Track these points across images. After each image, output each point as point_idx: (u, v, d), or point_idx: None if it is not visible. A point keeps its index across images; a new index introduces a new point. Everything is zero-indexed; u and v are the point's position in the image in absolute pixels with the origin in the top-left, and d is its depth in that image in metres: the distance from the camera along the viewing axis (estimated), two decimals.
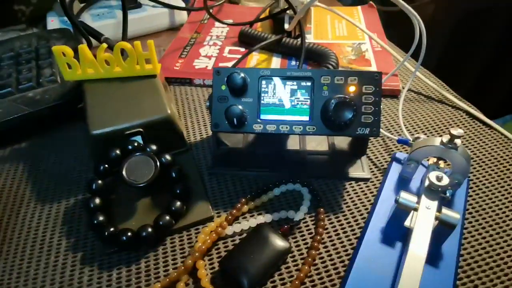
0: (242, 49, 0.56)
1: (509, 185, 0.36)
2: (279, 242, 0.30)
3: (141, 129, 0.35)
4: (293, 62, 0.53)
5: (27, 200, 0.36)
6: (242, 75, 0.32)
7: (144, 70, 0.38)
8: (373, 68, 0.50)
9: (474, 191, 0.35)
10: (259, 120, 0.33)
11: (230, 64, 0.52)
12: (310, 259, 0.29)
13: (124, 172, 0.33)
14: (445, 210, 0.28)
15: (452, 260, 0.29)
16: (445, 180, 0.29)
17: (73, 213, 0.34)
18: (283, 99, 0.33)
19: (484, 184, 0.36)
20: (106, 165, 0.34)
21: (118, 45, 0.36)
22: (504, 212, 0.33)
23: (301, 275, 0.28)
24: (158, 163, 0.33)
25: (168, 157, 0.34)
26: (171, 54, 0.55)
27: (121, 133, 0.35)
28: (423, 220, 0.28)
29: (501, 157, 0.38)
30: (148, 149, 0.34)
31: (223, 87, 0.33)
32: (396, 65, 0.49)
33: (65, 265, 0.30)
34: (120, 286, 0.29)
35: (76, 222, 0.34)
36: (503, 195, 0.35)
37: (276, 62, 0.53)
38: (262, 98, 0.33)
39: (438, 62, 0.83)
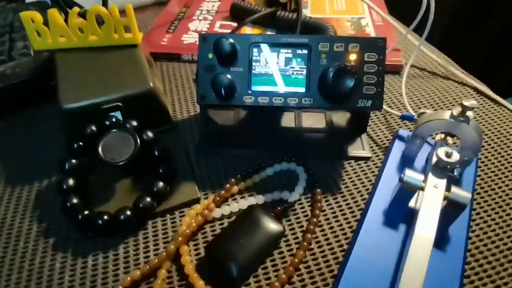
0: (234, 24, 0.52)
1: None
2: (271, 225, 0.27)
3: (120, 104, 0.32)
4: None
5: None
6: (231, 41, 0.29)
7: (123, 39, 0.35)
8: None
9: (482, 170, 0.33)
10: (250, 92, 0.30)
11: None
12: (305, 243, 0.27)
13: (100, 150, 0.30)
14: (454, 189, 0.25)
15: (460, 243, 0.26)
16: (455, 156, 0.26)
17: (46, 197, 0.31)
18: (277, 69, 0.30)
19: (493, 163, 0.33)
20: (81, 143, 0.31)
21: (92, 10, 0.32)
22: None
23: (296, 260, 0.26)
24: (138, 140, 0.30)
25: (149, 134, 0.31)
26: (157, 28, 0.51)
27: (97, 107, 0.32)
28: (430, 200, 0.25)
29: (511, 135, 0.36)
30: (127, 125, 0.31)
31: (210, 55, 0.30)
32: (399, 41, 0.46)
33: (35, 251, 0.28)
34: (96, 273, 0.26)
35: (49, 206, 0.31)
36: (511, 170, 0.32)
37: None
38: (253, 67, 0.30)
39: (441, 38, 0.79)
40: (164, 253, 0.26)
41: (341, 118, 0.37)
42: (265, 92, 0.30)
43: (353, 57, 0.29)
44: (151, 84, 0.33)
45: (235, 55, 0.30)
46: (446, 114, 0.28)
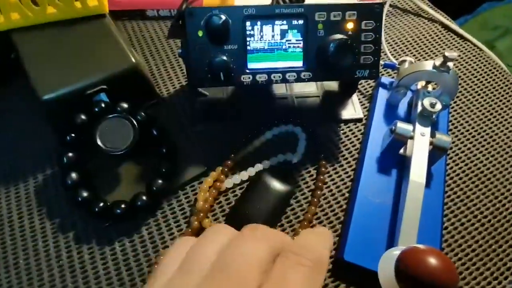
0: None
1: (483, 98, 0.37)
2: (281, 187, 0.30)
3: (104, 86, 0.30)
4: None
5: None
6: (223, 17, 0.27)
7: (88, 8, 0.31)
8: None
9: (452, 107, 0.37)
10: (247, 71, 0.29)
11: None
12: (315, 200, 0.30)
13: (98, 141, 0.28)
14: (438, 135, 0.29)
15: (440, 178, 0.31)
16: (438, 106, 0.29)
17: (47, 191, 0.31)
18: (273, 43, 0.29)
19: (460, 99, 0.37)
20: (73, 134, 0.29)
21: None
22: (484, 121, 0.35)
23: (309, 215, 0.29)
24: (135, 124, 0.29)
25: (144, 114, 0.30)
26: None
27: (80, 93, 0.29)
28: (419, 148, 0.28)
29: (474, 69, 0.40)
30: (118, 108, 0.30)
31: (200, 33, 0.27)
32: None
33: (58, 247, 0.28)
34: (127, 257, 0.28)
35: (54, 201, 0.30)
36: (478, 107, 0.37)
37: None
38: (248, 43, 0.28)
39: None
40: (189, 230, 0.28)
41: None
42: (263, 69, 0.29)
43: (350, 25, 0.28)
44: (134, 60, 0.31)
45: (228, 32, 0.28)
46: (429, 65, 0.30)
